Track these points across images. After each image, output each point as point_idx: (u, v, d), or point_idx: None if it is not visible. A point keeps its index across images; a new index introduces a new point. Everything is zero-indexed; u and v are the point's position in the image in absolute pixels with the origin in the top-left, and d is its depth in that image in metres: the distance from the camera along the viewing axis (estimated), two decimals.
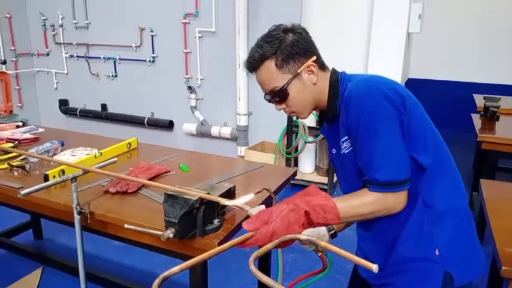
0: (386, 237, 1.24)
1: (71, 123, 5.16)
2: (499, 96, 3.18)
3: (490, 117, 3.06)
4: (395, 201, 1.13)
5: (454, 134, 4.40)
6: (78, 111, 5.12)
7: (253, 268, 0.93)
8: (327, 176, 3.77)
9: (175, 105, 4.56)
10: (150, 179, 1.80)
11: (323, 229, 1.43)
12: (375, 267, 1.01)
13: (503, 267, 1.21)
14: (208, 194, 1.31)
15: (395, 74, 3.81)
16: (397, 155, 1.12)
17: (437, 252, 1.16)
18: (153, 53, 4.53)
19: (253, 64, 1.24)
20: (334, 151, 1.31)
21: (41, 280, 2.48)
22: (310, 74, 1.24)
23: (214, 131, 4.32)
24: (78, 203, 1.49)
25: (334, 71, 1.29)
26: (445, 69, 5.52)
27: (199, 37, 4.20)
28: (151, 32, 4.46)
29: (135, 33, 4.53)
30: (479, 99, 3.58)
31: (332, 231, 1.45)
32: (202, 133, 4.41)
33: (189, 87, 4.39)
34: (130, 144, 2.27)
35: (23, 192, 1.33)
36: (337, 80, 1.25)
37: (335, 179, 3.77)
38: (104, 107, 5.01)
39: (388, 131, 1.11)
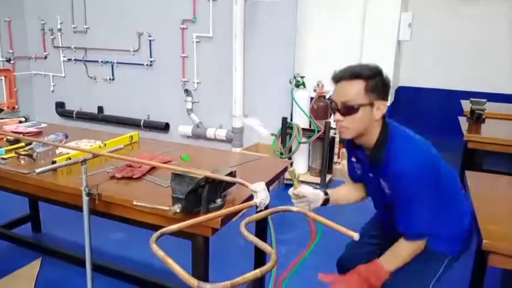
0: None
1: (67, 126, 5.20)
2: (484, 100, 3.32)
3: (476, 119, 3.19)
4: (422, 245, 1.50)
5: (443, 139, 4.51)
6: (74, 113, 5.18)
7: (244, 231, 1.02)
8: (319, 176, 3.87)
9: (171, 107, 4.65)
10: (153, 168, 1.88)
11: (319, 194, 1.64)
12: (355, 235, 1.12)
13: (484, 241, 1.32)
14: (212, 174, 1.40)
15: None
16: (430, 214, 1.46)
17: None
18: (151, 57, 4.63)
19: (347, 75, 1.44)
20: (371, 175, 1.57)
21: (40, 270, 2.52)
22: (378, 111, 1.46)
23: (210, 133, 4.41)
24: (87, 185, 1.57)
25: (384, 119, 1.51)
26: (434, 77, 5.69)
27: (196, 42, 4.32)
28: (150, 36, 4.57)
29: (134, 38, 4.64)
30: (466, 105, 3.71)
31: (326, 197, 1.65)
32: (198, 135, 4.50)
33: (186, 90, 4.49)
34: (132, 138, 2.36)
35: (37, 170, 1.41)
36: (387, 131, 1.48)
37: (327, 179, 3.88)
38: (100, 109, 5.08)
39: (425, 199, 1.43)
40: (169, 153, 2.17)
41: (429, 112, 5.38)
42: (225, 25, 4.12)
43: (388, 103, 1.50)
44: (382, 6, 3.94)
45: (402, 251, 1.50)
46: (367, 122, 1.46)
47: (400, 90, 5.76)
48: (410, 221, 1.47)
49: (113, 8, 4.70)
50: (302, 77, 3.89)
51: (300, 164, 4.00)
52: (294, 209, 1.10)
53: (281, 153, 3.88)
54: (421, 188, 1.41)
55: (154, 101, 4.75)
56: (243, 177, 1.75)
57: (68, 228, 3.02)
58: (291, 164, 2.01)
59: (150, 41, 4.59)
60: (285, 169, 2.06)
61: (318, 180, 3.84)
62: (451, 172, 1.60)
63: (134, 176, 1.76)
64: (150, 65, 4.65)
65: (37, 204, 2.97)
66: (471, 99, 3.41)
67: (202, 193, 1.39)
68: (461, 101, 4.06)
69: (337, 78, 1.47)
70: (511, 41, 5.30)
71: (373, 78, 1.43)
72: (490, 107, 3.39)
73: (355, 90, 1.43)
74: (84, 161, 1.57)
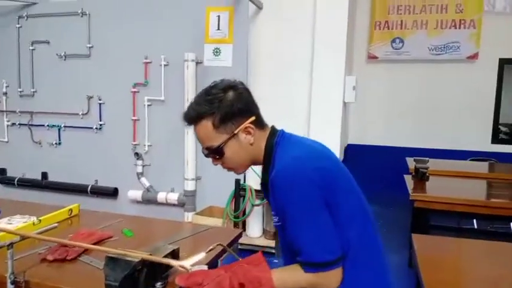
0: None
1: (9, 194, 4.88)
2: (427, 159, 3.47)
3: (421, 177, 3.31)
4: (328, 280, 1.14)
5: (391, 195, 4.66)
6: (16, 180, 4.89)
7: None
8: (274, 239, 3.80)
9: (120, 172, 4.50)
10: None
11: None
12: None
13: None
14: (150, 255, 1.31)
15: (334, 140, 4.08)
16: (325, 236, 1.14)
17: None
18: (100, 121, 4.53)
19: (190, 120, 1.25)
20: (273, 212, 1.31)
21: None
22: (247, 135, 1.24)
23: (161, 197, 4.27)
24: (12, 271, 1.42)
25: (271, 133, 1.30)
26: (379, 135, 5.96)
27: (148, 105, 4.30)
28: (100, 100, 4.50)
29: (83, 101, 4.55)
30: (411, 162, 3.86)
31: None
32: (149, 199, 4.35)
33: (136, 154, 4.39)
34: (72, 211, 2.22)
35: None
36: (272, 146, 1.26)
37: None
38: (44, 175, 4.83)
39: (312, 216, 1.13)
40: (111, 227, 2.05)
41: (377, 169, 5.55)
42: (177, 89, 4.14)
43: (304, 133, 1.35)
44: (327, 71, 4.14)
45: (295, 277, 1.16)
46: (246, 151, 1.26)
47: (349, 148, 5.96)
48: (300, 246, 1.14)
49: (62, 71, 4.63)
50: None
51: (255, 227, 3.92)
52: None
53: (235, 217, 3.80)
54: (298, 195, 1.12)
55: (102, 165, 4.59)
56: (192, 251, 1.66)
57: None
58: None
59: (100, 104, 4.52)
60: (237, 237, 1.99)
61: (272, 243, 3.76)
62: (362, 206, 1.25)
63: (68, 258, 1.63)
64: (100, 128, 4.55)
65: None
66: (415, 158, 3.56)
67: (139, 278, 1.29)
68: (406, 158, 4.22)
69: (187, 123, 1.27)
70: (449, 100, 5.73)
71: (216, 110, 1.20)
72: (433, 164, 3.54)
73: (204, 132, 1.23)
74: (10, 245, 1.43)
